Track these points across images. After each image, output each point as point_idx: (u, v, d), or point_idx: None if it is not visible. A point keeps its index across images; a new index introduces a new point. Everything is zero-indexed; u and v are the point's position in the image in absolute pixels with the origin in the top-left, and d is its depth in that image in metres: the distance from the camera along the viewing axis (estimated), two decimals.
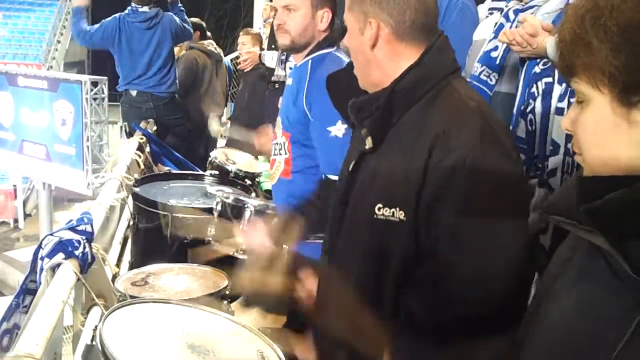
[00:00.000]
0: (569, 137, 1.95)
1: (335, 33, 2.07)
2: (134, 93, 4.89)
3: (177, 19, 4.93)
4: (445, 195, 1.18)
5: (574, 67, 0.79)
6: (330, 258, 1.47)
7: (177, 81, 5.11)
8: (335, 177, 1.74)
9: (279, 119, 2.14)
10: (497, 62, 2.18)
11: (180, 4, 5.06)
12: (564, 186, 0.90)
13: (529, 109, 2.02)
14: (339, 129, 1.86)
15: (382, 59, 1.33)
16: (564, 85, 1.95)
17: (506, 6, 2.28)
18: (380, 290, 1.30)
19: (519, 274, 1.19)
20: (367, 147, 1.33)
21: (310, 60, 2.01)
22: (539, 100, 1.99)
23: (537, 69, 2.02)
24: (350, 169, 1.40)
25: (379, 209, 1.27)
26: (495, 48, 2.20)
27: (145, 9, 4.74)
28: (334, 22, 2.06)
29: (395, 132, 1.30)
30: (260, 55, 4.45)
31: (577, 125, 0.81)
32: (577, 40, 0.77)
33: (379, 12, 1.32)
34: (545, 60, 1.97)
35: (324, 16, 1.99)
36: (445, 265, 1.19)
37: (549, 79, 1.99)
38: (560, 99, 1.96)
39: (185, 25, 5.00)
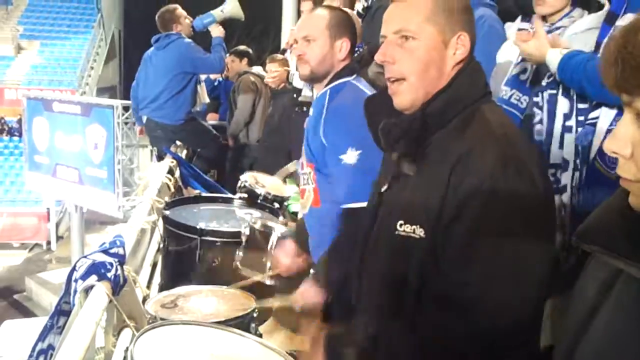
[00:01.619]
0: (577, 154, 1.97)
1: (355, 62, 2.09)
2: (144, 119, 4.97)
3: (193, 47, 4.78)
4: (461, 215, 1.18)
5: None
6: (360, 267, 1.49)
7: (237, 112, 5.04)
8: (355, 205, 1.75)
9: (304, 148, 2.16)
10: (527, 84, 2.18)
11: (220, 39, 4.86)
12: (599, 212, 0.86)
13: (536, 120, 2.08)
14: (349, 157, 1.85)
15: (452, 76, 1.31)
16: (569, 102, 2.00)
17: (531, 27, 2.28)
18: (401, 303, 1.30)
19: (530, 304, 1.17)
20: (407, 172, 1.31)
21: (328, 90, 2.03)
22: (545, 110, 2.06)
23: (543, 82, 2.09)
24: (382, 190, 1.41)
25: (401, 225, 1.28)
26: (524, 71, 2.20)
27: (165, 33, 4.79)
28: (353, 51, 2.08)
29: (422, 153, 1.31)
30: (288, 75, 4.50)
31: None
32: None
33: (468, 27, 1.31)
34: (549, 74, 2.04)
35: (343, 46, 2.02)
36: (453, 284, 1.19)
37: (554, 91, 2.05)
38: (567, 117, 1.99)
39: (210, 56, 4.81)
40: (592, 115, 1.95)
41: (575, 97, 2.00)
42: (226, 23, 4.94)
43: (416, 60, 1.30)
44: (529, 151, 1.30)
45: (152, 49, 4.88)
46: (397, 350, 1.26)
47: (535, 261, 1.17)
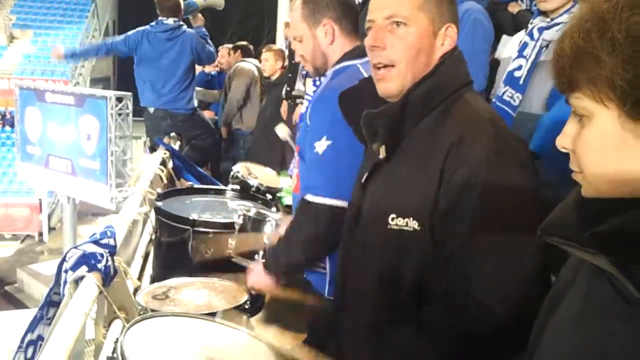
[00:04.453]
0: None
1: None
2: (151, 110, 4.99)
3: (199, 39, 4.98)
4: (459, 205, 1.17)
5: (576, 81, 0.76)
6: (346, 266, 1.47)
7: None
8: (312, 198, 1.73)
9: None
10: (521, 82, 2.16)
11: (204, 29, 5.10)
12: (561, 206, 0.87)
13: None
14: (320, 145, 1.76)
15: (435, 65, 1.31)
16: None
17: (531, 23, 2.26)
18: (397, 299, 1.29)
19: (535, 288, 1.17)
20: (380, 156, 1.32)
21: (332, 72, 1.96)
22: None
23: None
24: (363, 180, 1.39)
25: (393, 219, 1.26)
26: (519, 67, 2.18)
27: (170, 21, 4.83)
28: (349, 27, 1.96)
29: (408, 143, 1.29)
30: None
31: (578, 142, 0.78)
32: (581, 54, 0.74)
33: (454, 19, 1.31)
34: None
35: (326, 30, 1.92)
36: (461, 276, 1.18)
37: None
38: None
39: (207, 47, 5.04)
40: None
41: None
42: (221, 17, 5.00)
43: (407, 46, 1.29)
44: (515, 135, 1.30)
45: (153, 29, 4.85)
46: (399, 343, 1.25)
47: (536, 252, 1.15)
